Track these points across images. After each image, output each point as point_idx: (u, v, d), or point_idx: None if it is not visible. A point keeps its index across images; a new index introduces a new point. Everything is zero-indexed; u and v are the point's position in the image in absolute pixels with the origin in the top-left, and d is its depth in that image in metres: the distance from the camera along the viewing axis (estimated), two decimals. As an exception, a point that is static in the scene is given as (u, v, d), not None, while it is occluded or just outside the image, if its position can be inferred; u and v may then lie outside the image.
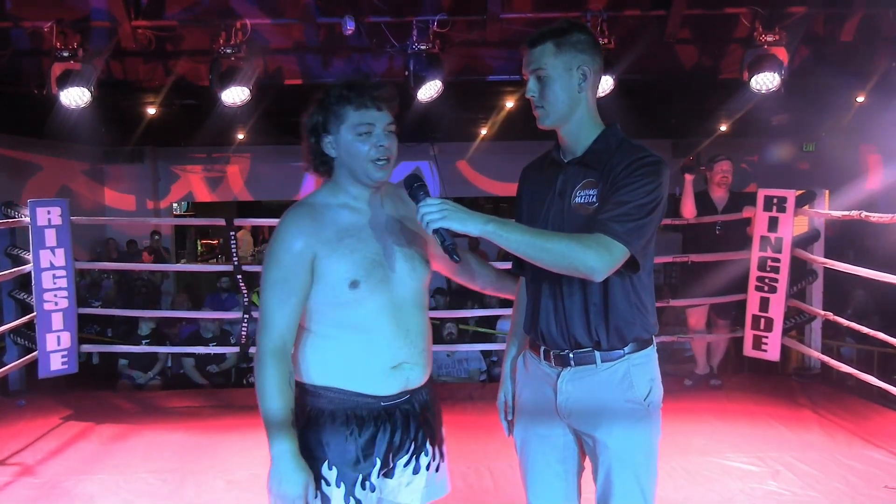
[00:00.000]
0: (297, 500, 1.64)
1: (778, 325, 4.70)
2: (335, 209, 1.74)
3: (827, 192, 4.86)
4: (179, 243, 12.82)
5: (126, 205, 11.20)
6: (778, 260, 4.66)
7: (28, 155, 9.48)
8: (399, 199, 1.85)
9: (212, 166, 11.46)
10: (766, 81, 5.11)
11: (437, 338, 5.62)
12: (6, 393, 4.88)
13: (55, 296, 4.54)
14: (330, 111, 1.72)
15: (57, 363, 4.59)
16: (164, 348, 6.18)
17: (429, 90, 5.19)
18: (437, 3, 5.44)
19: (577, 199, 1.77)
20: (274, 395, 1.65)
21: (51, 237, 4.51)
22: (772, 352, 4.75)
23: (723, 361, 5.27)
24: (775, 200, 4.66)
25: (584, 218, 1.74)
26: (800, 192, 4.77)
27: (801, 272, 4.93)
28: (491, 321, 6.83)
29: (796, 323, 4.92)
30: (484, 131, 9.85)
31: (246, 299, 5.00)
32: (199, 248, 14.26)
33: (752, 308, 4.77)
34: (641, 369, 1.80)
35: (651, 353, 1.84)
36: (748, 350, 4.87)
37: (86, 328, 6.95)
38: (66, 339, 4.61)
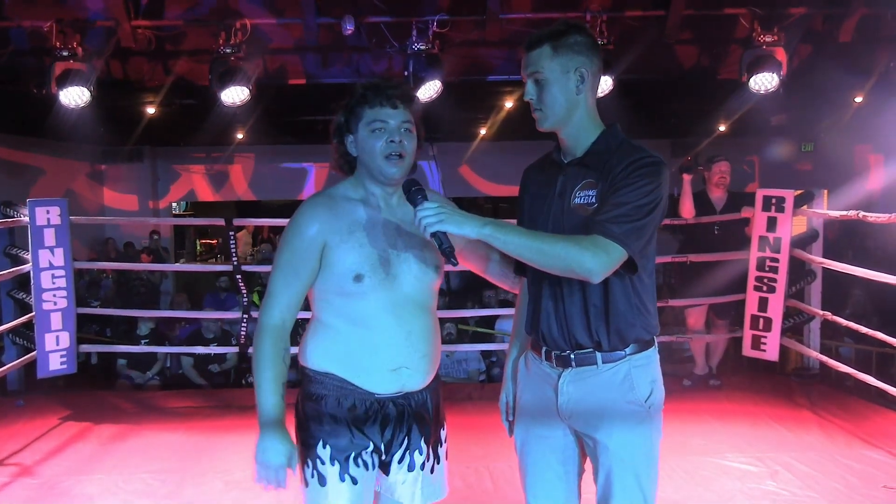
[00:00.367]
0: (279, 470, 1.72)
1: (777, 325, 4.71)
2: (353, 203, 1.80)
3: (825, 192, 4.86)
4: (178, 243, 12.80)
5: (125, 204, 11.17)
6: (777, 260, 4.66)
7: (30, 156, 9.47)
8: None
9: (211, 166, 11.45)
10: (764, 82, 5.12)
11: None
12: (5, 393, 4.87)
13: (54, 296, 4.54)
14: (351, 112, 1.80)
15: (56, 363, 4.58)
16: (163, 348, 6.17)
17: (428, 90, 5.20)
18: (437, 3, 5.45)
19: (577, 200, 1.76)
20: (267, 366, 1.73)
21: (50, 237, 4.51)
22: (770, 352, 4.75)
23: (722, 361, 5.26)
24: (774, 200, 4.66)
25: (583, 219, 1.73)
26: (798, 192, 4.77)
27: (799, 272, 4.93)
28: (490, 321, 6.83)
29: (795, 323, 4.92)
30: (483, 131, 9.85)
31: (245, 299, 4.99)
32: (199, 247, 14.24)
33: (751, 308, 4.78)
34: (643, 371, 1.80)
35: (652, 355, 1.84)
36: (747, 350, 4.87)
37: (85, 328, 6.93)
38: (65, 338, 4.60)
